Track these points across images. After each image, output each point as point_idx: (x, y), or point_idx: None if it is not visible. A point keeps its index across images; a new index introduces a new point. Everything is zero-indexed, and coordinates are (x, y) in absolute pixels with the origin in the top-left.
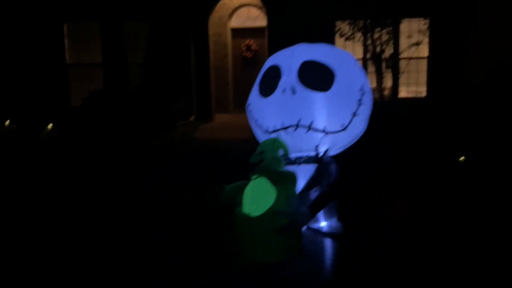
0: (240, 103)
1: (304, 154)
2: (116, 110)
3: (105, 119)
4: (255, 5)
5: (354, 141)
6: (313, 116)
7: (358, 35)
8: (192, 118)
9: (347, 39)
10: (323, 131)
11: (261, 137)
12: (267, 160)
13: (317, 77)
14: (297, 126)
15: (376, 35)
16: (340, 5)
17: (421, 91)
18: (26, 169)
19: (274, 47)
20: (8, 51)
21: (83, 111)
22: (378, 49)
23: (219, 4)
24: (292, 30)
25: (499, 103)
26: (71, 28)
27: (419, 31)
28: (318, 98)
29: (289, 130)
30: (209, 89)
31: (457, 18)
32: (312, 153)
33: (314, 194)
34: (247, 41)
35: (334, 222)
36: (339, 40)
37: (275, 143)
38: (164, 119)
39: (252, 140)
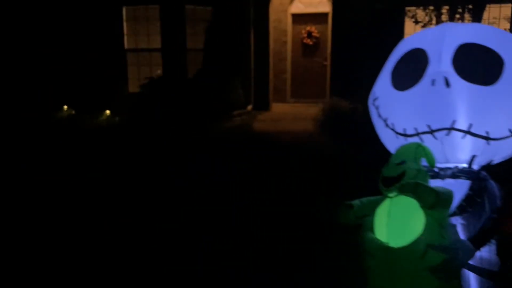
0: (297, 93)
1: (451, 165)
2: (173, 98)
3: (162, 106)
4: None
5: None
6: (473, 117)
7: (433, 22)
8: (249, 107)
9: (422, 26)
10: (485, 137)
11: (391, 141)
12: (410, 173)
13: (479, 65)
14: (450, 129)
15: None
16: None
17: None
18: (85, 155)
19: (339, 34)
20: (65, 35)
21: (141, 98)
22: None
23: None
24: (358, 16)
25: None
26: (130, 12)
27: (504, 18)
28: (481, 93)
29: (438, 134)
30: (267, 78)
31: None
32: (463, 165)
33: (475, 221)
34: (308, 27)
35: (493, 256)
36: (409, 27)
37: (418, 151)
38: (222, 108)
39: (311, 131)
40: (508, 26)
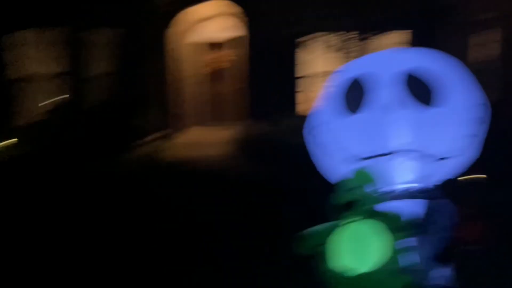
0: (214, 116)
1: (403, 187)
2: (70, 126)
3: (53, 135)
4: (229, 14)
5: (466, 169)
6: (423, 138)
7: (345, 46)
8: (162, 133)
9: (335, 51)
10: (435, 157)
11: (335, 168)
12: (362, 198)
13: (427, 89)
14: (399, 152)
15: (364, 47)
16: (323, 16)
17: None
18: None
19: (254, 57)
20: None
21: (30, 129)
22: None
23: (187, 12)
24: (273, 39)
25: None
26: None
27: (404, 43)
28: (430, 115)
29: (388, 157)
30: (182, 102)
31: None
32: (413, 186)
33: (431, 239)
34: (223, 51)
35: (448, 271)
36: (323, 51)
37: (369, 175)
38: (128, 135)
39: (229, 156)
40: None
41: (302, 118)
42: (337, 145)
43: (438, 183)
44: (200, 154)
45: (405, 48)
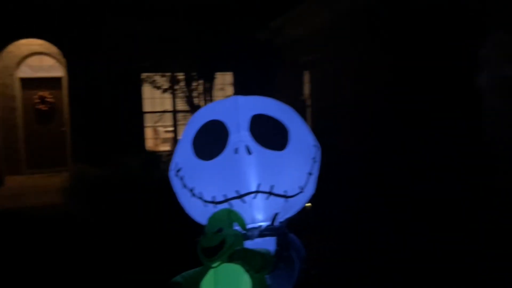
0: (35, 163)
1: (257, 225)
2: None
3: None
4: (48, 54)
5: (305, 204)
6: (273, 179)
7: (171, 87)
8: None
9: (163, 91)
10: (284, 195)
11: (199, 210)
12: (229, 239)
13: (272, 133)
14: (257, 192)
15: (190, 88)
16: (147, 56)
17: None
18: None
19: (76, 99)
20: None
21: None
22: (196, 101)
23: (4, 51)
24: (95, 80)
25: None
26: None
27: (229, 83)
28: (277, 157)
29: (247, 198)
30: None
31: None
32: (266, 224)
33: (287, 274)
34: (40, 93)
35: None
36: (148, 91)
37: (231, 216)
38: None
39: (58, 204)
40: (232, 91)
41: (147, 156)
42: (201, 188)
43: (285, 220)
44: (26, 203)
45: (250, 96)
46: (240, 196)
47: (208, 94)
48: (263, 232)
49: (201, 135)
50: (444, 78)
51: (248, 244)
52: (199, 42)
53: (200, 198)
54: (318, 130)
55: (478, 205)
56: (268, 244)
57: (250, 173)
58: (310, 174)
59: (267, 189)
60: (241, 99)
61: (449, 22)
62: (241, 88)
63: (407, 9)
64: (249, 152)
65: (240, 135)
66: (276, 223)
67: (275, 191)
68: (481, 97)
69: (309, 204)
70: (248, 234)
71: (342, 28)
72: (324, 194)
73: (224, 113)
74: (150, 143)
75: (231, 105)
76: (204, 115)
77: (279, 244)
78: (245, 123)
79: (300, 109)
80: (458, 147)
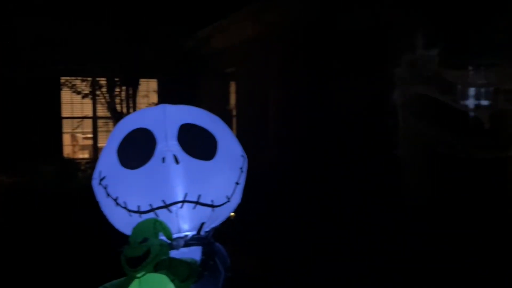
0: None
1: (182, 235)
2: None
3: None
4: None
5: (231, 213)
6: (200, 188)
7: (92, 92)
8: None
9: (83, 96)
10: (211, 205)
11: (124, 220)
12: (155, 249)
13: (200, 143)
14: (183, 202)
15: (113, 94)
16: (65, 60)
17: None
18: None
19: None
20: None
21: None
22: (118, 107)
23: None
24: (9, 83)
25: None
26: None
27: (153, 91)
28: (204, 167)
29: (173, 207)
30: None
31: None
32: (192, 233)
33: (212, 283)
34: None
35: None
36: (67, 96)
37: (156, 226)
38: None
39: None
40: (156, 98)
41: (63, 164)
42: (126, 197)
43: (211, 229)
44: None
45: (178, 105)
46: (167, 206)
47: (131, 100)
48: (189, 242)
49: (127, 143)
50: (361, 95)
51: (174, 253)
52: (122, 47)
53: (125, 207)
54: (244, 140)
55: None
56: (194, 253)
57: (177, 183)
58: (237, 183)
59: (194, 199)
60: (170, 107)
61: (367, 44)
62: (166, 96)
63: (329, 28)
64: (176, 161)
65: (167, 144)
66: (202, 233)
67: (202, 200)
68: (396, 113)
69: (233, 214)
70: (174, 244)
71: (267, 41)
72: (250, 203)
73: (152, 121)
74: (67, 150)
75: (159, 114)
76: (131, 122)
77: (205, 253)
78: (173, 132)
79: (226, 119)
80: (373, 159)
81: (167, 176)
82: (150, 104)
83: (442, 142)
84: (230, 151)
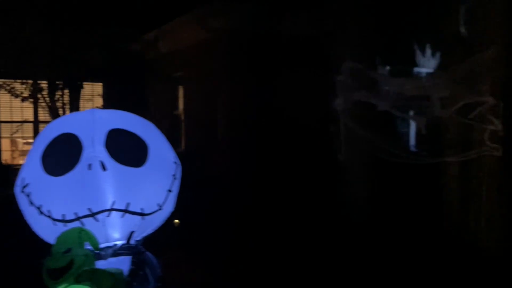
0: None
1: (111, 244)
2: None
3: None
4: None
5: (164, 222)
6: (129, 196)
7: (33, 95)
8: None
9: (22, 99)
10: (141, 213)
11: (48, 229)
12: (79, 260)
13: (129, 149)
14: (111, 210)
15: (55, 98)
16: (4, 61)
17: None
18: None
19: None
20: None
21: None
22: (61, 112)
23: None
24: None
25: None
26: None
27: (98, 95)
28: (134, 174)
29: (100, 216)
30: None
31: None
32: (121, 242)
33: None
34: None
35: None
36: (5, 99)
37: (81, 235)
38: None
39: None
40: (101, 102)
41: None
42: (50, 205)
43: (142, 238)
44: None
45: (108, 110)
46: (93, 214)
47: (74, 104)
48: (117, 251)
49: (52, 149)
50: (305, 101)
51: (102, 264)
52: (64, 48)
53: (49, 216)
54: (192, 145)
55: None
56: (123, 263)
57: (104, 190)
58: (169, 191)
59: (122, 207)
60: (99, 112)
61: (311, 51)
62: (112, 99)
63: (273, 34)
64: (103, 168)
65: (94, 150)
66: (132, 242)
67: (131, 208)
68: (337, 119)
69: (177, 221)
70: (101, 254)
71: (213, 45)
72: (198, 208)
73: (79, 126)
74: (6, 156)
75: (87, 119)
76: (57, 127)
77: (134, 263)
78: (101, 137)
79: (175, 124)
80: (317, 165)
81: (93, 184)
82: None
83: (382, 149)
84: (162, 157)
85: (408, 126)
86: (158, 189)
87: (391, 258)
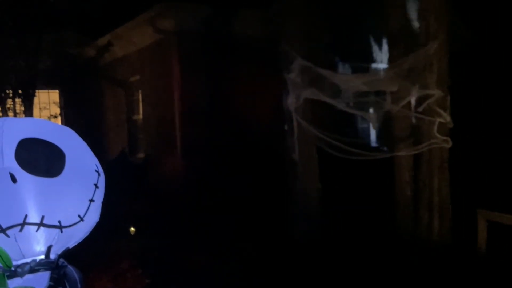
0: None
1: (28, 260)
2: None
3: None
4: None
5: (88, 233)
6: (44, 209)
7: None
8: None
9: None
10: (58, 226)
11: None
12: None
13: (44, 159)
14: (23, 224)
15: (4, 106)
16: None
17: None
18: None
19: None
20: None
21: None
22: None
23: None
24: None
25: None
26: None
27: (53, 102)
28: (49, 185)
29: (11, 231)
30: None
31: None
32: (40, 257)
33: None
34: None
35: None
36: None
37: None
38: None
39: None
40: (58, 110)
41: None
42: None
43: (64, 251)
44: None
45: (20, 118)
46: (3, 230)
47: (27, 113)
48: (35, 268)
49: None
50: (259, 101)
51: (18, 281)
52: (13, 56)
53: None
54: (150, 148)
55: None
56: (41, 279)
57: (14, 204)
58: (91, 201)
59: (36, 220)
60: (9, 121)
61: (262, 50)
62: (69, 106)
63: (224, 35)
64: (13, 180)
65: (3, 161)
66: (53, 256)
67: (47, 221)
68: (289, 115)
69: (133, 229)
70: (17, 271)
71: (166, 47)
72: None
73: None
74: None
75: None
76: None
77: (53, 278)
78: (11, 148)
79: (133, 128)
80: (271, 160)
81: (3, 198)
82: (49, 117)
83: (332, 145)
84: (82, 166)
85: (359, 121)
86: (77, 199)
87: (345, 253)
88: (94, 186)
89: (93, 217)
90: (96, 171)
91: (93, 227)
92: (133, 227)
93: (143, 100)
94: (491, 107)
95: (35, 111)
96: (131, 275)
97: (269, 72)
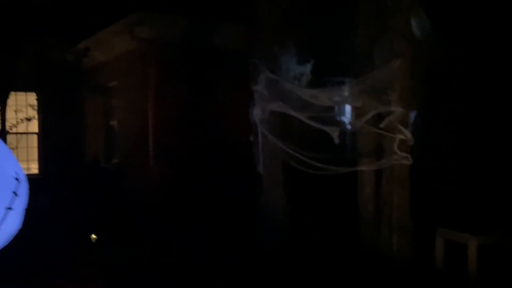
0: None
1: None
2: None
3: None
4: None
5: (8, 241)
6: None
7: None
8: None
9: None
10: None
11: None
12: None
13: None
14: None
15: None
16: None
17: (33, 167)
18: None
19: None
20: None
21: None
22: None
23: None
24: None
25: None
26: None
27: (31, 105)
28: None
29: None
30: None
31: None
32: None
33: None
34: None
35: None
36: None
37: None
38: None
39: None
40: (34, 113)
41: None
42: None
43: None
44: None
45: None
46: None
47: (1, 116)
48: None
49: None
50: (232, 109)
51: None
52: None
53: None
54: (127, 154)
55: None
56: None
57: None
58: (9, 209)
59: None
60: None
61: (232, 61)
62: (46, 110)
63: (198, 44)
64: None
65: None
66: None
67: None
68: (255, 127)
69: (94, 237)
70: None
71: (144, 54)
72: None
73: None
74: None
75: None
76: None
77: None
78: None
79: (110, 134)
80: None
81: None
82: (22, 120)
83: (297, 159)
84: (1, 172)
85: (325, 136)
86: None
87: (308, 264)
88: (12, 194)
89: (13, 225)
90: (16, 178)
91: (14, 235)
92: (95, 234)
93: (119, 106)
94: (454, 126)
95: (9, 112)
96: (94, 284)
97: (242, 84)
